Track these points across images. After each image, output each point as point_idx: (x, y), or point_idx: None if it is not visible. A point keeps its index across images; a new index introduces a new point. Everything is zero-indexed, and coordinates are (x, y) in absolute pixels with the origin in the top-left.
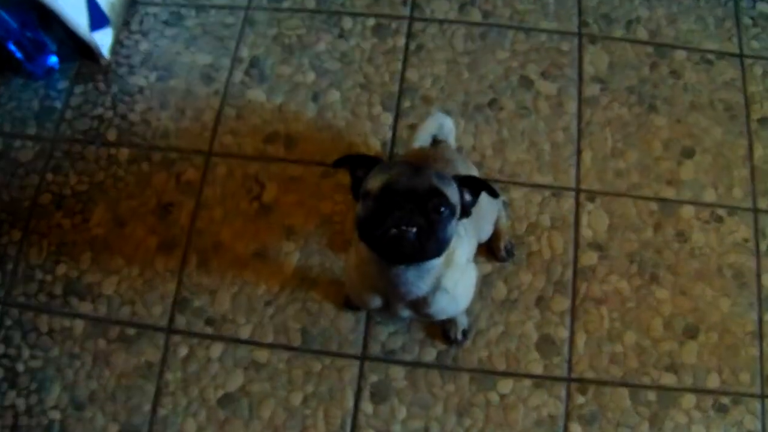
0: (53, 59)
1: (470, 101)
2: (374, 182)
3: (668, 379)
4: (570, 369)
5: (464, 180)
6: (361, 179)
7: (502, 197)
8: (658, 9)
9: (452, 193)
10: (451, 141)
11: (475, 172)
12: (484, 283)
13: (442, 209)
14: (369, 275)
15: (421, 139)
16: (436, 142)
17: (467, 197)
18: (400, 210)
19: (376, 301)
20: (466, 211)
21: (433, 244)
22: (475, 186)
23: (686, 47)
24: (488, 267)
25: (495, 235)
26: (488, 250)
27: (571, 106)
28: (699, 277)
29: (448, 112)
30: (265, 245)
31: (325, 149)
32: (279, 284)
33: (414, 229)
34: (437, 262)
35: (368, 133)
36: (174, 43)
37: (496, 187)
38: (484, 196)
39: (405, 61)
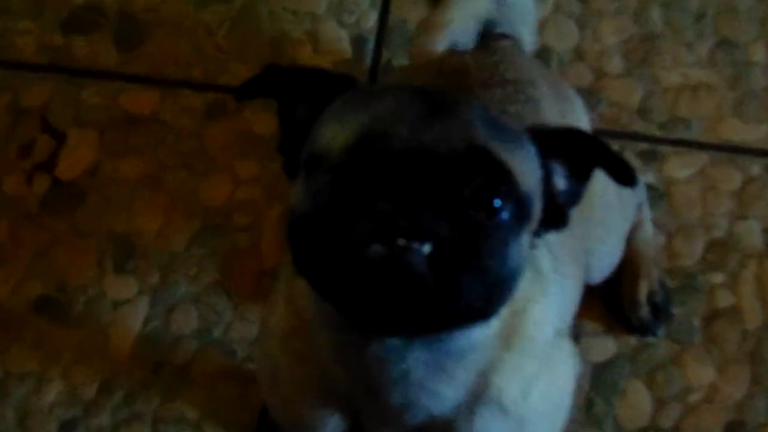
0: None
1: None
2: (335, 133)
3: None
4: None
5: (555, 138)
6: (303, 125)
7: (644, 179)
8: None
9: (524, 166)
10: (528, 38)
11: (581, 115)
12: (599, 385)
13: (498, 203)
14: (317, 361)
15: (454, 32)
16: (488, 39)
17: (561, 180)
18: (395, 199)
19: (333, 426)
20: (558, 215)
21: (474, 287)
22: (582, 155)
23: None
24: (608, 346)
25: (628, 270)
26: (606, 302)
27: None
28: None
29: None
30: (63, 281)
31: (214, 54)
32: (99, 378)
33: (427, 247)
34: (484, 336)
35: (322, 13)
36: None
37: (632, 157)
38: (601, 180)
39: None
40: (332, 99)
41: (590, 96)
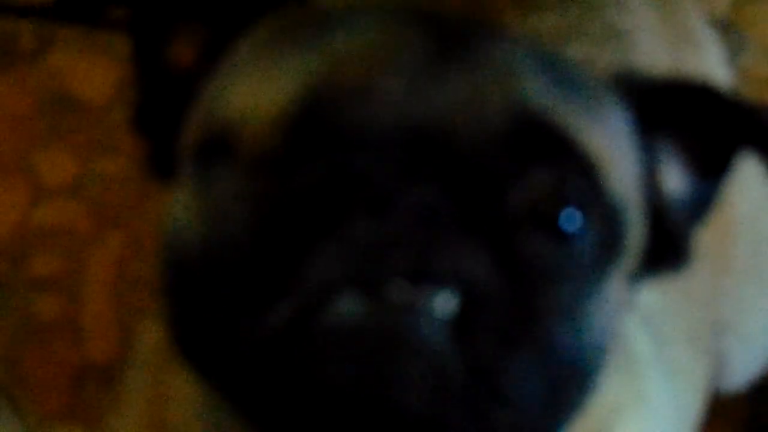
0: None
1: None
2: (259, 91)
3: None
4: None
5: (665, 96)
6: (188, 78)
7: None
8: None
9: (613, 148)
10: None
11: (714, 67)
12: None
13: (572, 218)
14: None
15: None
16: None
17: (674, 175)
18: (382, 214)
19: None
20: (670, 245)
21: (532, 380)
22: (714, 126)
23: None
24: None
25: None
26: (750, 428)
27: None
28: None
29: None
30: None
31: None
32: None
33: (447, 303)
34: None
35: None
36: None
37: None
38: (749, 186)
39: None
40: (245, 25)
41: (728, 34)
